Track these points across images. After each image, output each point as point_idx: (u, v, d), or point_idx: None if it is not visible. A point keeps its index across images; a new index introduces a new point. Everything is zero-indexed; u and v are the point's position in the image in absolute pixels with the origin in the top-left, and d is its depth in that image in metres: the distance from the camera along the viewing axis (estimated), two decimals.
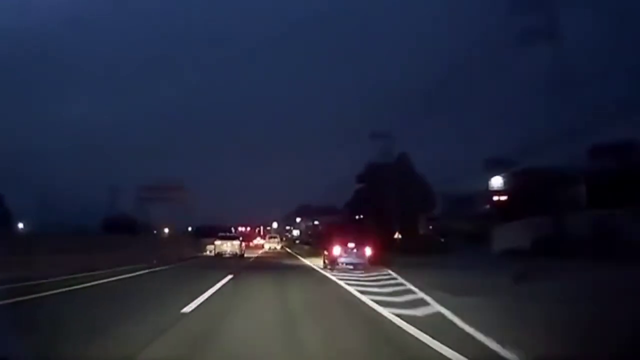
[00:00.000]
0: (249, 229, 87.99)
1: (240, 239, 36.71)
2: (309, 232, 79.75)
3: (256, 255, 38.49)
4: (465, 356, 4.76)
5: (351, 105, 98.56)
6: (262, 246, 59.04)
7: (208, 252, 34.99)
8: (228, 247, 32.81)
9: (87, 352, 4.90)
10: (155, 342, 5.41)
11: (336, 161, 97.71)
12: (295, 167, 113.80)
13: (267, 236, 67.85)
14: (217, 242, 33.47)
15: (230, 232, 44.46)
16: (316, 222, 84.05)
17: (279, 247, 55.85)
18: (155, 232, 51.76)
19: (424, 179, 39.93)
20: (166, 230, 56.31)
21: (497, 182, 35.08)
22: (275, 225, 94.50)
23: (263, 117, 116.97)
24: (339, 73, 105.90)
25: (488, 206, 35.61)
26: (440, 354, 4.97)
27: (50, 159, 67.20)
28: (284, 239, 79.88)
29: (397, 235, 24.87)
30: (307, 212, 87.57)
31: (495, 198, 34.51)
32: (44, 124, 77.50)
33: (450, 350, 5.00)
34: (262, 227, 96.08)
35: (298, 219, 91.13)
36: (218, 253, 32.33)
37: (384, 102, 74.12)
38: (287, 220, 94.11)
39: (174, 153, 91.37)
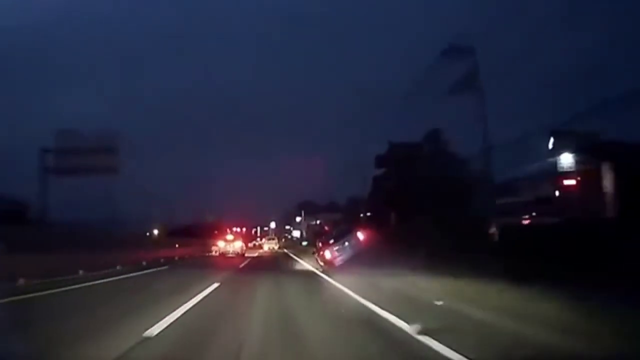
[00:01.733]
0: (244, 229, 79.20)
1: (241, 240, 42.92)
2: (312, 232, 71.57)
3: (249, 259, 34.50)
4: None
5: (353, 96, 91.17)
6: (261, 246, 64.26)
7: (213, 253, 39.43)
8: (231, 247, 38.34)
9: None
10: None
11: (337, 159, 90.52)
12: (294, 165, 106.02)
13: (266, 237, 72.07)
14: (222, 244, 39.63)
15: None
16: (318, 221, 76.11)
17: (276, 247, 61.30)
18: (148, 233, 47.64)
19: (462, 161, 31.51)
20: (155, 231, 52.08)
21: (567, 160, 26.82)
22: (273, 225, 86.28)
23: (259, 112, 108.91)
24: (341, 67, 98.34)
25: (557, 193, 27.15)
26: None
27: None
28: (284, 239, 74.49)
29: (493, 230, 15.48)
30: (309, 210, 79.15)
31: (567, 182, 26.27)
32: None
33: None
34: (258, 228, 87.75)
35: (298, 218, 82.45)
36: (222, 253, 37.52)
37: (388, 96, 67.26)
38: (286, 220, 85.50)
39: (170, 149, 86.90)
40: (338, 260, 18.05)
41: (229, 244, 39.24)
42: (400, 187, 30.82)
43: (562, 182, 26.51)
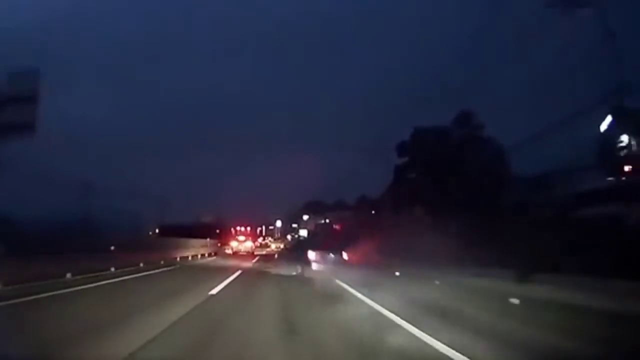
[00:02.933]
0: (249, 228, 75.28)
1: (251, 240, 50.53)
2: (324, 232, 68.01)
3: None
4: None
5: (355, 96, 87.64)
6: (269, 245, 70.01)
7: (227, 251, 43.41)
8: (242, 247, 44.83)
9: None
10: None
11: (345, 156, 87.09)
12: (300, 162, 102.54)
13: (273, 237, 77.36)
14: (234, 244, 45.97)
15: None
16: (327, 220, 72.35)
17: (282, 246, 65.87)
18: (150, 233, 46.80)
19: (501, 149, 27.50)
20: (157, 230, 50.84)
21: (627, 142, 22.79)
22: (279, 224, 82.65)
23: (266, 111, 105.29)
24: (345, 64, 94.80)
25: (612, 178, 23.04)
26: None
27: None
28: (290, 239, 71.59)
29: None
30: (316, 209, 75.36)
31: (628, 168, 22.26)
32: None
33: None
34: (264, 227, 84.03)
35: (305, 217, 78.60)
36: (235, 251, 42.40)
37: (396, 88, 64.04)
38: (293, 218, 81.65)
39: (172, 149, 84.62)
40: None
41: (241, 244, 46.49)
42: (428, 178, 26.94)
43: (623, 168, 22.64)
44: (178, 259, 26.60)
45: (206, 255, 35.19)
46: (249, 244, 46.40)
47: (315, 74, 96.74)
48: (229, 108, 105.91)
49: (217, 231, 57.30)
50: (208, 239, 47.23)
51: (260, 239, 75.09)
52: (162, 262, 22.69)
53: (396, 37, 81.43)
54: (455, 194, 22.69)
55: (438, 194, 25.06)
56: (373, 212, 50.49)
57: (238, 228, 70.97)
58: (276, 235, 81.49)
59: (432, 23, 72.83)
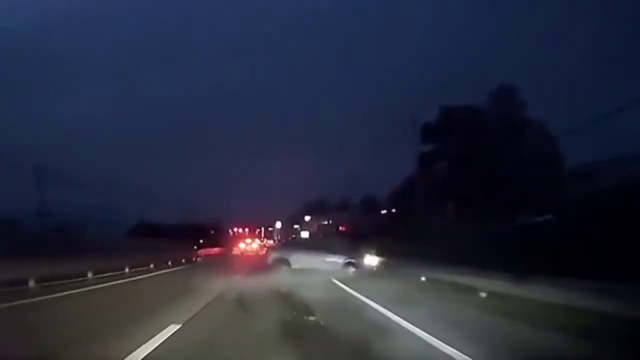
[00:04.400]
0: (247, 230, 70.65)
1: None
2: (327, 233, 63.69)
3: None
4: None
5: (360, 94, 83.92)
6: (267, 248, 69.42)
7: (235, 252, 47.11)
8: (249, 247, 51.29)
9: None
10: None
11: (348, 156, 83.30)
12: (302, 163, 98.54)
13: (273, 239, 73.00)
14: (242, 245, 51.99)
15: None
16: (330, 221, 67.86)
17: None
18: None
19: (548, 131, 22.74)
20: None
21: None
22: (279, 225, 78.04)
23: (267, 111, 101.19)
24: (346, 64, 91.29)
25: None
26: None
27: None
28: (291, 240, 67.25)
29: None
30: (320, 209, 70.86)
31: None
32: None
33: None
34: (262, 228, 79.48)
35: (307, 217, 74.00)
36: (242, 252, 47.46)
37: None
38: (294, 220, 77.05)
39: (172, 149, 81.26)
40: None
41: (248, 245, 52.97)
42: (460, 168, 22.18)
43: None
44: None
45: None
46: (254, 245, 52.31)
47: (316, 74, 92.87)
48: (229, 108, 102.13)
49: (212, 232, 52.73)
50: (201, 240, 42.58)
51: (258, 241, 70.99)
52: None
53: (396, 37, 77.96)
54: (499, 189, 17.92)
55: (476, 188, 20.31)
56: (384, 211, 46.25)
57: (236, 229, 66.58)
58: (275, 237, 77.05)
59: (432, 23, 69.39)
